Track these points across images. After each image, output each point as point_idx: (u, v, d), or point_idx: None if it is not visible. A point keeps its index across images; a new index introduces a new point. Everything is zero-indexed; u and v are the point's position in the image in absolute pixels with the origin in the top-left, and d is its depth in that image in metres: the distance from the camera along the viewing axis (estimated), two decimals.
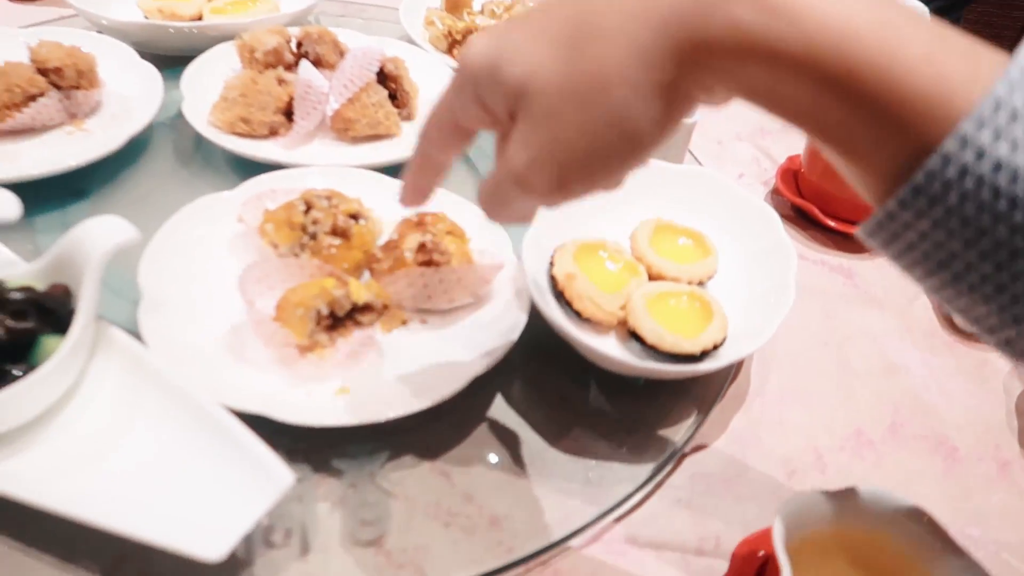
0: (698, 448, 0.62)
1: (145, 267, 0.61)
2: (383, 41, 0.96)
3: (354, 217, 0.66)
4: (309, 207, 0.65)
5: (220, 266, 0.64)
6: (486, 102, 0.37)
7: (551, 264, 0.67)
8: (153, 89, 0.81)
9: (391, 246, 0.65)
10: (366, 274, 0.66)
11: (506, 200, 0.40)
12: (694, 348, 0.61)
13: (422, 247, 0.63)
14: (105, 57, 0.85)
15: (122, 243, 0.54)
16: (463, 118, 0.40)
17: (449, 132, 0.42)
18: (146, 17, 0.96)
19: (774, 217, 0.74)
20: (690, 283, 0.68)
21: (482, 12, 1.03)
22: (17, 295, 0.52)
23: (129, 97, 0.83)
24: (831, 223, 0.86)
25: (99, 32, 0.91)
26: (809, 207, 0.87)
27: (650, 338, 0.62)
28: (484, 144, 0.40)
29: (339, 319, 0.60)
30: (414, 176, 0.46)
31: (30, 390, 0.48)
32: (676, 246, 0.72)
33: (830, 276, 0.83)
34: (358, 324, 0.62)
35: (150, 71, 0.84)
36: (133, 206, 0.75)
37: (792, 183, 0.92)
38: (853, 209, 0.86)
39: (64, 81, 0.77)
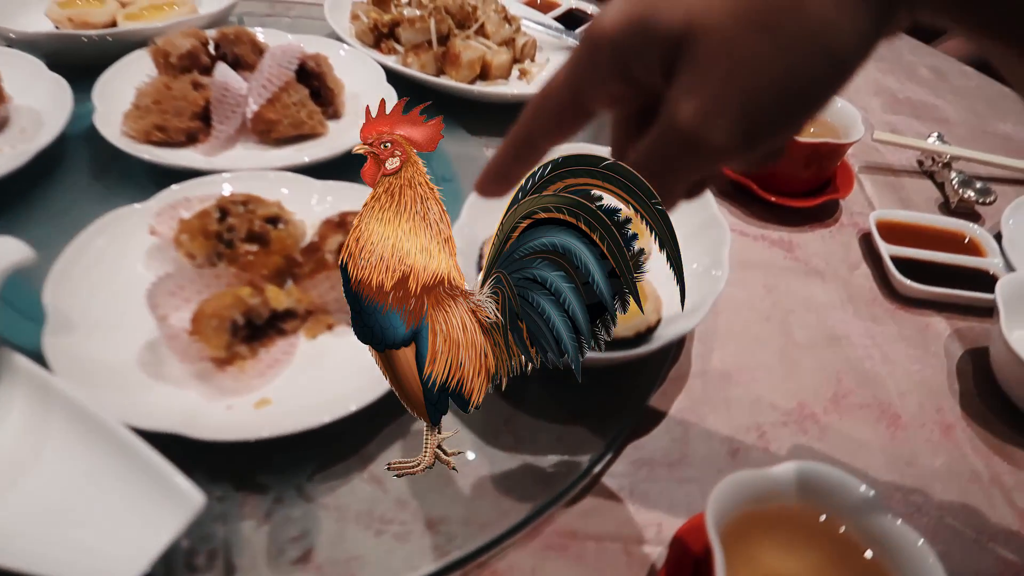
0: (640, 434, 0.61)
1: (51, 286, 0.58)
2: (307, 39, 0.93)
3: (272, 221, 0.64)
4: (225, 214, 0.63)
5: (133, 281, 0.61)
6: (632, 69, 0.33)
7: (480, 256, 0.65)
8: (63, 101, 0.78)
9: (312, 248, 0.63)
10: (289, 281, 0.64)
11: (675, 167, 0.34)
12: (627, 331, 0.60)
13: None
14: (12, 70, 0.82)
15: (16, 265, 0.52)
16: (592, 96, 0.36)
17: (565, 115, 0.37)
18: (56, 27, 0.92)
19: (706, 193, 0.73)
20: None
21: (409, 3, 1.00)
22: None
23: (39, 111, 0.80)
24: (772, 198, 0.85)
25: (7, 45, 0.88)
26: (747, 182, 0.86)
27: None
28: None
29: (259, 328, 0.58)
30: (505, 163, 0.41)
31: None
32: None
33: (771, 250, 0.83)
34: (281, 332, 0.60)
35: (59, 83, 0.80)
36: (47, 223, 0.72)
37: None
38: (791, 182, 0.86)
39: None
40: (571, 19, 1.19)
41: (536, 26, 1.03)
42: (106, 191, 0.76)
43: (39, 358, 0.53)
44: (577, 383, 0.61)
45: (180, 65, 0.82)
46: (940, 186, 0.96)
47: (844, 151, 0.85)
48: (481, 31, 0.97)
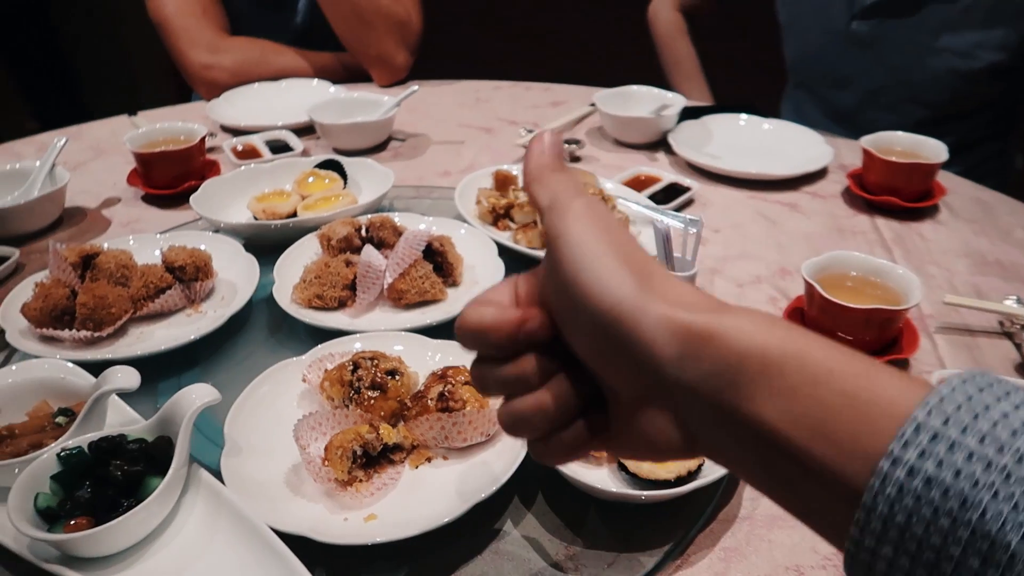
0: (682, 565, 0.70)
1: (230, 420, 0.78)
2: (437, 221, 1.16)
3: (391, 373, 0.82)
4: (356, 367, 0.82)
5: (287, 418, 0.80)
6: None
7: None
8: (252, 276, 1.03)
9: (419, 396, 0.80)
10: (400, 421, 0.81)
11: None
12: (669, 475, 0.71)
13: (441, 396, 0.77)
14: (217, 251, 1.08)
15: (208, 403, 0.72)
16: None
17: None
18: (254, 217, 1.20)
19: None
20: None
21: (523, 188, 1.21)
22: (132, 446, 0.70)
23: (235, 283, 1.05)
24: None
25: (215, 231, 1.16)
26: None
27: (631, 467, 0.72)
28: None
29: (373, 458, 0.75)
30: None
31: (135, 519, 0.65)
32: None
33: None
34: (390, 461, 0.76)
35: (251, 262, 1.06)
36: (232, 370, 0.94)
37: (799, 322, 1.01)
38: (853, 344, 0.94)
39: (186, 275, 0.99)
40: (671, 192, 1.35)
41: (630, 204, 1.20)
42: (277, 345, 0.99)
43: (217, 473, 0.72)
44: (628, 516, 0.73)
45: (338, 247, 1.06)
46: (1018, 347, 1.00)
47: (900, 317, 0.93)
48: None
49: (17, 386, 0.79)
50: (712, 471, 0.73)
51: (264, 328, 1.02)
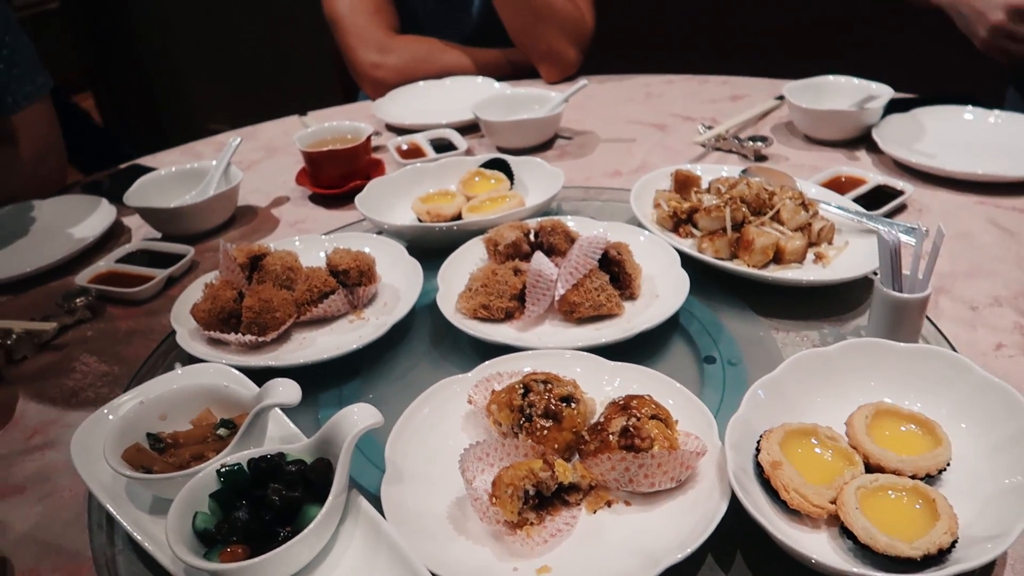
0: None
1: (392, 443, 0.72)
2: (611, 226, 1.05)
3: (566, 400, 0.72)
4: (528, 390, 0.73)
5: (451, 443, 0.73)
6: None
7: (757, 450, 0.67)
8: (415, 282, 0.97)
9: (598, 428, 0.70)
10: (576, 456, 0.71)
11: None
12: (914, 552, 0.57)
13: (625, 431, 0.67)
14: (381, 254, 1.04)
15: (370, 427, 0.65)
16: None
17: None
18: (418, 219, 1.15)
19: (1020, 402, 0.67)
20: (915, 476, 0.64)
21: (708, 190, 1.08)
22: (291, 467, 0.65)
23: (398, 288, 1.00)
24: None
25: (378, 233, 1.12)
26: None
27: (862, 536, 0.58)
28: None
29: (546, 498, 0.66)
30: None
31: (292, 552, 0.59)
32: (899, 434, 0.68)
33: None
34: (565, 503, 0.67)
35: (414, 267, 1.00)
36: (394, 383, 0.89)
37: None
38: None
39: (350, 280, 0.95)
40: (879, 195, 1.17)
41: (835, 210, 1.04)
42: (440, 358, 0.92)
43: (376, 500, 0.66)
44: None
45: (506, 252, 0.98)
46: None
47: None
48: (776, 217, 1.01)
49: (184, 392, 0.76)
50: (969, 552, 0.57)
51: (427, 338, 0.96)
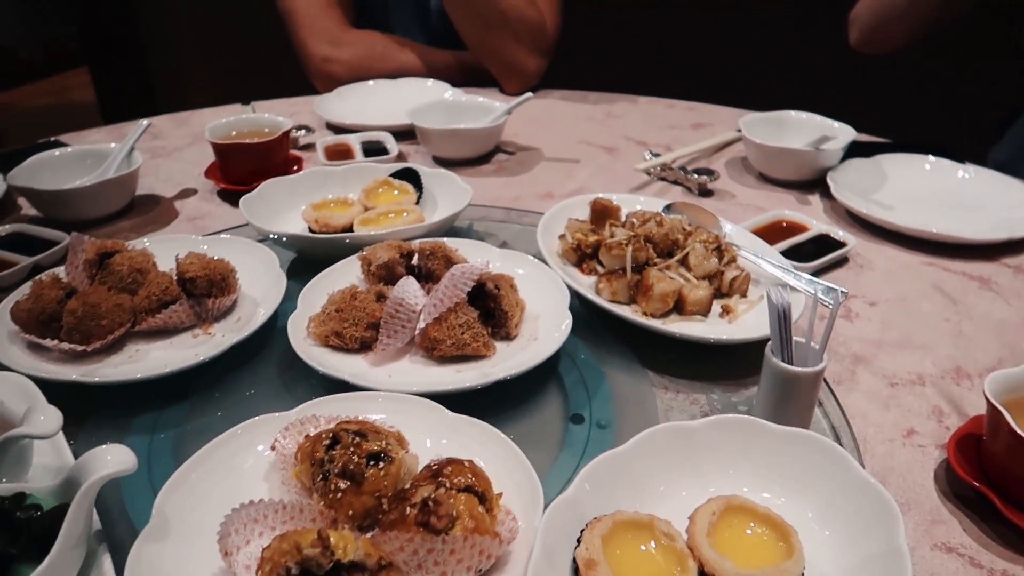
0: None
1: (167, 491, 0.61)
2: (508, 255, 0.95)
3: (375, 458, 0.62)
4: (335, 441, 0.63)
5: (247, 496, 0.62)
6: None
7: (578, 541, 0.56)
8: (274, 298, 0.87)
9: (400, 497, 0.59)
10: (375, 527, 0.61)
11: None
12: None
13: (424, 505, 0.56)
14: (253, 263, 0.94)
15: (116, 474, 0.55)
16: None
17: None
18: (309, 228, 1.05)
19: (894, 514, 0.56)
20: None
21: (624, 224, 0.98)
22: (22, 515, 0.55)
23: (259, 303, 0.90)
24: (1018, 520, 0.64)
25: (261, 240, 1.01)
26: (985, 490, 0.66)
27: None
28: None
29: None
30: None
31: None
32: (746, 538, 0.57)
33: None
34: None
35: (279, 281, 0.90)
36: (226, 412, 0.78)
37: (974, 454, 0.71)
38: None
39: (197, 290, 0.85)
40: (822, 245, 1.07)
41: (754, 259, 0.93)
42: (282, 387, 0.82)
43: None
44: None
45: (378, 274, 0.88)
46: None
47: None
48: (685, 262, 0.90)
49: None
50: None
51: (275, 363, 0.85)
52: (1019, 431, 0.62)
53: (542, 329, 0.85)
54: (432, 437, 0.69)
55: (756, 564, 0.55)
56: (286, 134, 1.28)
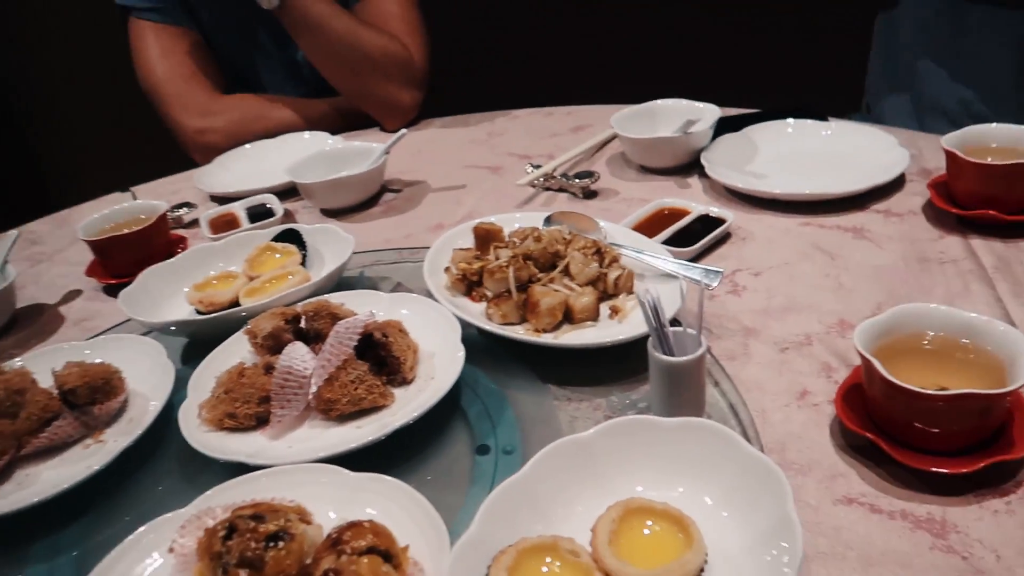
0: None
1: None
2: (397, 298, 0.95)
3: (275, 538, 0.60)
4: (232, 531, 0.61)
5: None
6: None
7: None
8: (163, 391, 0.85)
9: (306, 573, 0.58)
10: None
11: None
12: None
13: None
14: (140, 358, 0.92)
15: None
16: None
17: None
18: (196, 310, 1.03)
19: (781, 483, 0.57)
20: None
21: (506, 245, 0.98)
22: None
23: (149, 400, 0.87)
24: (911, 462, 0.66)
25: (143, 334, 0.99)
26: (877, 439, 0.68)
27: None
28: None
29: None
30: None
31: None
32: (645, 539, 0.58)
33: (913, 535, 0.63)
34: None
35: (167, 372, 0.88)
36: (135, 515, 0.75)
37: (860, 403, 0.73)
38: (938, 439, 0.66)
39: (79, 400, 0.82)
40: (706, 225, 1.10)
41: (638, 255, 0.95)
42: (185, 482, 0.79)
43: None
44: None
45: (266, 345, 0.86)
46: None
47: (1003, 400, 0.64)
48: (567, 271, 0.91)
49: None
50: None
51: (176, 456, 0.83)
52: (891, 378, 0.65)
53: (438, 367, 0.85)
54: (335, 502, 0.68)
55: (659, 561, 0.56)
56: (162, 217, 1.26)
